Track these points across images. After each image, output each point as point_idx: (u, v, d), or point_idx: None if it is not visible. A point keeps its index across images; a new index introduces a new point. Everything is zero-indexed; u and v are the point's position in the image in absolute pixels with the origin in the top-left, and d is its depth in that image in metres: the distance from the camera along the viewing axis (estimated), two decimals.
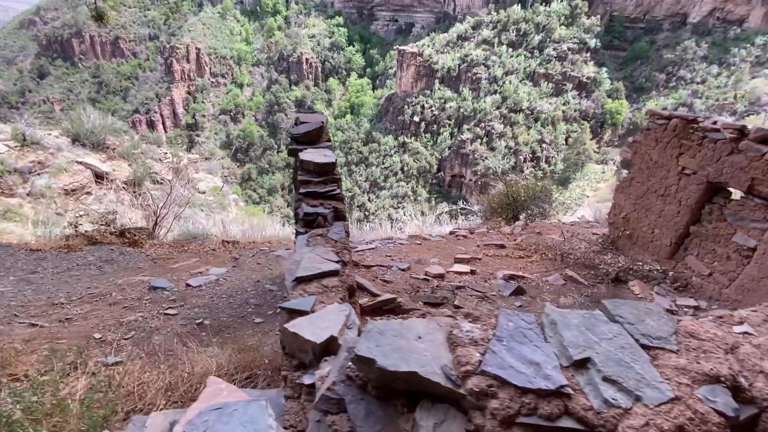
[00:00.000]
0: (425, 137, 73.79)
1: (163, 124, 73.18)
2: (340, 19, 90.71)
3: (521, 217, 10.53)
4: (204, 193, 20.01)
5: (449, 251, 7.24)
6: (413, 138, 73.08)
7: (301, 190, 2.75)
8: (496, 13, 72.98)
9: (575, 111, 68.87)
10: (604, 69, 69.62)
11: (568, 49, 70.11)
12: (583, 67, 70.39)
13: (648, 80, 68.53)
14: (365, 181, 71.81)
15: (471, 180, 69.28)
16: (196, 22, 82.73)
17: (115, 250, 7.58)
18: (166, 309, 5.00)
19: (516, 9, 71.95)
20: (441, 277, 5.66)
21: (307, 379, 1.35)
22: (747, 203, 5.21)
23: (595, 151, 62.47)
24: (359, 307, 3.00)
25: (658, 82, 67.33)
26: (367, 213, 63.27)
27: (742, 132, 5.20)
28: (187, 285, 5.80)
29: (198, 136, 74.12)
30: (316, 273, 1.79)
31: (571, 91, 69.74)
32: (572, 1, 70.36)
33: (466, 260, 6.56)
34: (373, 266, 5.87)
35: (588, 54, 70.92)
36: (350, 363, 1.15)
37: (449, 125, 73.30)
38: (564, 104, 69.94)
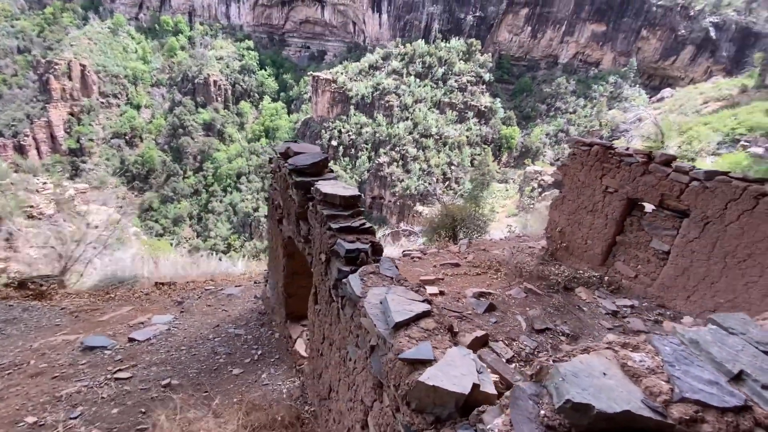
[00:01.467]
0: (344, 161, 74.63)
1: (38, 149, 62.39)
2: (250, 43, 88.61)
3: (461, 235, 11.17)
4: (97, 227, 17.43)
5: (409, 273, 7.34)
6: (332, 162, 73.34)
7: (333, 226, 2.59)
8: (403, 46, 78.22)
9: (477, 136, 76.16)
10: (498, 99, 78.62)
11: (467, 81, 77.87)
12: (481, 97, 78.61)
13: (533, 110, 79.10)
14: None
15: (390, 201, 71.56)
16: (80, 36, 73.52)
17: (15, 306, 6.25)
18: (115, 372, 4.25)
19: (420, 43, 78.05)
20: None
21: None
22: (659, 215, 6.27)
23: (497, 171, 69.34)
24: None
25: (541, 112, 78.06)
26: None
27: (649, 156, 6.29)
28: (131, 339, 5.01)
29: (84, 162, 64.68)
30: (411, 316, 1.69)
31: (472, 118, 77.22)
32: (468, 39, 78.82)
33: (431, 281, 6.73)
34: None
35: (484, 86, 79.52)
36: (547, 412, 1.13)
37: (366, 149, 75.32)
38: (467, 130, 76.90)
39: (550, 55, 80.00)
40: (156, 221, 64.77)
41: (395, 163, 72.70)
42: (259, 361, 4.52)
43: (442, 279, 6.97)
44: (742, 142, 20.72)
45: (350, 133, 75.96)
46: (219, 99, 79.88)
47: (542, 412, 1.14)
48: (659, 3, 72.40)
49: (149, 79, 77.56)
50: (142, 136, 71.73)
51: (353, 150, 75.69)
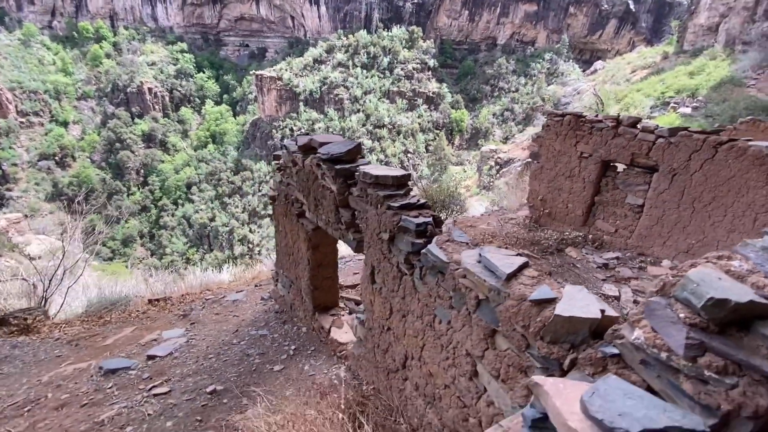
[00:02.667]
0: None
1: None
2: (184, 45, 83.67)
3: (443, 215, 11.55)
4: (39, 258, 16.14)
5: None
6: None
7: (394, 204, 2.71)
8: (345, 38, 77.47)
9: (428, 122, 77.56)
10: (445, 84, 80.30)
11: (413, 68, 78.76)
12: (428, 83, 79.92)
13: (478, 92, 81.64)
14: (242, 212, 67.15)
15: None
16: None
17: (1, 344, 5.80)
18: (150, 389, 4.12)
19: (363, 34, 77.66)
20: None
21: (610, 349, 1.49)
22: (630, 172, 6.91)
23: (452, 155, 71.12)
24: None
25: (486, 93, 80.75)
26: (251, 245, 59.18)
27: (618, 120, 6.89)
28: (152, 357, 4.86)
29: (10, 190, 58.54)
30: (516, 268, 1.87)
31: (422, 105, 78.40)
32: (409, 27, 79.48)
33: None
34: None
35: (430, 72, 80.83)
36: (686, 314, 1.37)
37: None
38: (418, 117, 78.07)
39: (488, 37, 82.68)
40: (104, 244, 60.19)
41: None
42: (295, 356, 4.54)
43: None
44: (671, 104, 22.84)
45: (302, 130, 74.54)
46: (157, 107, 75.07)
47: (681, 315, 1.38)
48: None
49: (74, 92, 71.20)
50: (75, 155, 66.01)
51: None
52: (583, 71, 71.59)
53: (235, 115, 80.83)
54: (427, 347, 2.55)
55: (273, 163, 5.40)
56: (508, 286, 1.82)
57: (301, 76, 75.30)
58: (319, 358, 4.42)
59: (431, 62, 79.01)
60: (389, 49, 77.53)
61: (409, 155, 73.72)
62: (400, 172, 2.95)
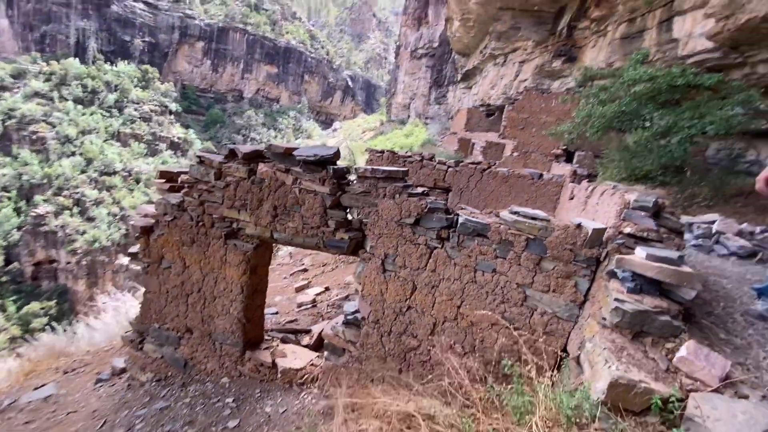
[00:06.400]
0: None
1: None
2: None
3: None
4: None
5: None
6: None
7: (414, 192, 3.13)
8: (46, 63, 60.57)
9: None
10: (191, 130, 75.15)
11: (151, 110, 69.96)
12: (171, 128, 72.62)
13: (230, 140, 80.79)
14: None
15: (71, 262, 54.15)
16: None
17: None
18: None
19: (73, 62, 63.05)
20: None
21: (618, 241, 2.67)
22: (432, 192, 9.32)
23: None
24: None
25: (237, 142, 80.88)
26: None
27: (422, 156, 9.25)
28: None
29: None
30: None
31: (166, 150, 70.06)
32: (140, 65, 70.76)
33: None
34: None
35: (172, 116, 73.84)
36: None
37: (9, 198, 53.62)
38: (162, 163, 69.09)
39: (235, 89, 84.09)
40: None
41: (67, 212, 55.50)
42: (243, 406, 3.69)
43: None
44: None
45: None
46: None
47: None
48: (312, 56, 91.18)
49: None
50: None
51: None
52: (323, 129, 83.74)
53: None
54: (467, 302, 3.09)
55: (155, 182, 4.28)
56: (551, 223, 2.76)
57: None
58: (274, 396, 3.82)
59: (173, 106, 72.57)
60: (116, 86, 66.01)
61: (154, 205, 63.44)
62: (403, 168, 3.42)
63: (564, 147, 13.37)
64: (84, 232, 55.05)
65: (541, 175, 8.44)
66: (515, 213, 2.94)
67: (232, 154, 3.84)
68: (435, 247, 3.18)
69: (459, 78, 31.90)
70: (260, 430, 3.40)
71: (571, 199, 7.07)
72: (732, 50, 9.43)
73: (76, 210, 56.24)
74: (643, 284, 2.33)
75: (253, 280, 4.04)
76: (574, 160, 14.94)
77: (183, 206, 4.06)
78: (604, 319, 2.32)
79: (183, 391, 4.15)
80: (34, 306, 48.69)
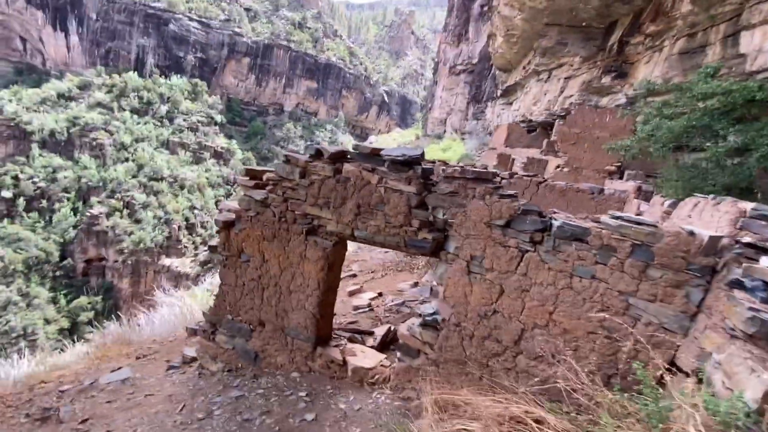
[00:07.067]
0: (29, 218, 54.11)
1: None
2: None
3: None
4: None
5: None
6: (7, 220, 51.69)
7: (505, 193, 3.13)
8: (108, 76, 65.73)
9: (218, 177, 73.14)
10: (234, 141, 78.66)
11: (198, 121, 73.98)
12: (215, 138, 76.35)
13: (269, 151, 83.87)
14: None
15: (117, 261, 57.35)
16: None
17: None
18: None
19: (132, 76, 68.06)
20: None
21: (737, 250, 2.51)
22: None
23: None
24: None
25: (277, 153, 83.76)
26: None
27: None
28: None
29: None
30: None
31: (209, 159, 73.57)
32: (191, 79, 75.32)
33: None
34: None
35: (216, 127, 77.72)
36: None
37: (68, 199, 57.77)
38: (206, 171, 72.59)
39: (276, 103, 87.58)
40: None
41: (118, 214, 59.08)
42: (316, 401, 3.73)
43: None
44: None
45: (35, 179, 55.94)
46: None
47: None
48: (350, 72, 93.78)
49: None
50: None
51: (44, 201, 56.05)
52: (358, 142, 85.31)
53: None
54: (560, 309, 3.00)
55: (240, 179, 4.50)
56: (661, 229, 2.66)
57: (36, 111, 57.85)
58: (346, 393, 3.84)
59: (218, 117, 76.47)
60: (168, 98, 70.49)
61: (196, 211, 66.42)
62: (494, 169, 3.43)
63: (618, 164, 12.89)
64: (131, 233, 58.33)
65: (602, 190, 8.15)
66: (617, 218, 2.85)
67: (317, 154, 3.98)
68: (527, 250, 3.13)
69: (499, 94, 31.68)
70: (338, 425, 3.41)
71: (638, 215, 6.76)
72: None
73: (125, 212, 59.85)
74: None
75: (329, 276, 4.12)
76: (624, 178, 14.35)
77: (266, 203, 4.23)
78: (732, 329, 2.18)
79: (255, 382, 4.25)
80: (83, 300, 51.80)
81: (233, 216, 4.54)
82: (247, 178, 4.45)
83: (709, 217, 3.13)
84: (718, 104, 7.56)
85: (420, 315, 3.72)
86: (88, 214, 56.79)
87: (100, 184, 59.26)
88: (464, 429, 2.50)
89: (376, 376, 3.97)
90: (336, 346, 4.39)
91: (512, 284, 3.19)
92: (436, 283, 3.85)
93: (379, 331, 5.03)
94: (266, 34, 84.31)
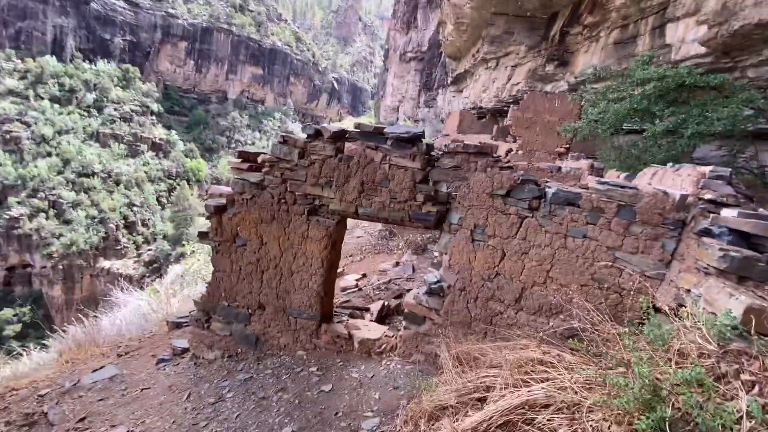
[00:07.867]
0: None
1: None
2: None
3: None
4: None
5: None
6: None
7: (505, 165, 3.38)
8: (21, 60, 58.30)
9: (158, 171, 68.24)
10: (174, 132, 73.56)
11: (132, 110, 68.21)
12: (153, 129, 70.91)
13: (214, 142, 79.56)
14: None
15: (46, 267, 52.06)
16: None
17: None
18: None
19: (50, 60, 60.90)
20: None
21: (701, 205, 3.00)
22: None
23: (198, 205, 64.95)
24: None
25: (222, 144, 79.70)
26: None
27: None
28: None
29: None
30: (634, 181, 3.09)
31: (147, 151, 68.33)
32: (121, 64, 69.00)
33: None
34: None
35: (153, 117, 72.12)
36: None
37: None
38: (144, 165, 67.45)
39: (219, 90, 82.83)
40: None
41: (43, 215, 53.36)
42: (328, 374, 3.84)
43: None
44: None
45: None
46: None
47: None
48: (298, 58, 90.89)
49: None
50: None
51: None
52: None
53: None
54: (557, 267, 3.36)
55: (231, 161, 4.38)
56: (642, 190, 3.08)
57: None
58: (356, 364, 3.99)
59: (155, 106, 70.96)
60: (95, 85, 64.09)
61: (135, 208, 61.68)
62: (488, 142, 3.70)
63: (567, 146, 13.97)
64: (60, 236, 53.11)
65: (559, 169, 8.86)
66: (603, 183, 3.25)
67: (316, 134, 4.02)
68: (526, 216, 3.45)
69: (449, 81, 32.49)
70: (356, 392, 3.57)
71: None
72: (724, 55, 10.14)
73: (52, 212, 54.17)
74: (734, 239, 2.66)
75: (332, 254, 4.22)
76: (569, 159, 15.61)
77: (263, 185, 4.20)
78: (706, 268, 2.64)
79: (260, 364, 4.27)
80: (7, 312, 46.56)
81: (224, 201, 4.45)
82: (240, 160, 4.37)
83: (670, 182, 3.64)
84: (654, 89, 8.50)
85: (425, 283, 3.96)
86: (5, 216, 50.70)
87: (19, 182, 52.97)
88: (487, 376, 2.79)
89: (383, 346, 4.17)
90: (339, 321, 4.51)
91: (513, 248, 3.51)
92: (438, 254, 4.10)
93: (375, 306, 5.22)
94: (204, 16, 78.98)
